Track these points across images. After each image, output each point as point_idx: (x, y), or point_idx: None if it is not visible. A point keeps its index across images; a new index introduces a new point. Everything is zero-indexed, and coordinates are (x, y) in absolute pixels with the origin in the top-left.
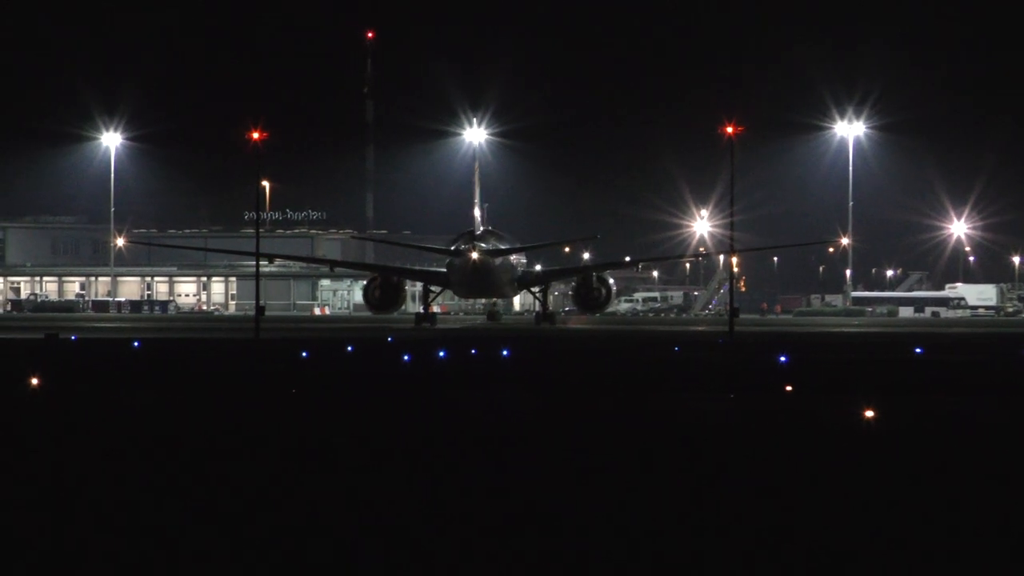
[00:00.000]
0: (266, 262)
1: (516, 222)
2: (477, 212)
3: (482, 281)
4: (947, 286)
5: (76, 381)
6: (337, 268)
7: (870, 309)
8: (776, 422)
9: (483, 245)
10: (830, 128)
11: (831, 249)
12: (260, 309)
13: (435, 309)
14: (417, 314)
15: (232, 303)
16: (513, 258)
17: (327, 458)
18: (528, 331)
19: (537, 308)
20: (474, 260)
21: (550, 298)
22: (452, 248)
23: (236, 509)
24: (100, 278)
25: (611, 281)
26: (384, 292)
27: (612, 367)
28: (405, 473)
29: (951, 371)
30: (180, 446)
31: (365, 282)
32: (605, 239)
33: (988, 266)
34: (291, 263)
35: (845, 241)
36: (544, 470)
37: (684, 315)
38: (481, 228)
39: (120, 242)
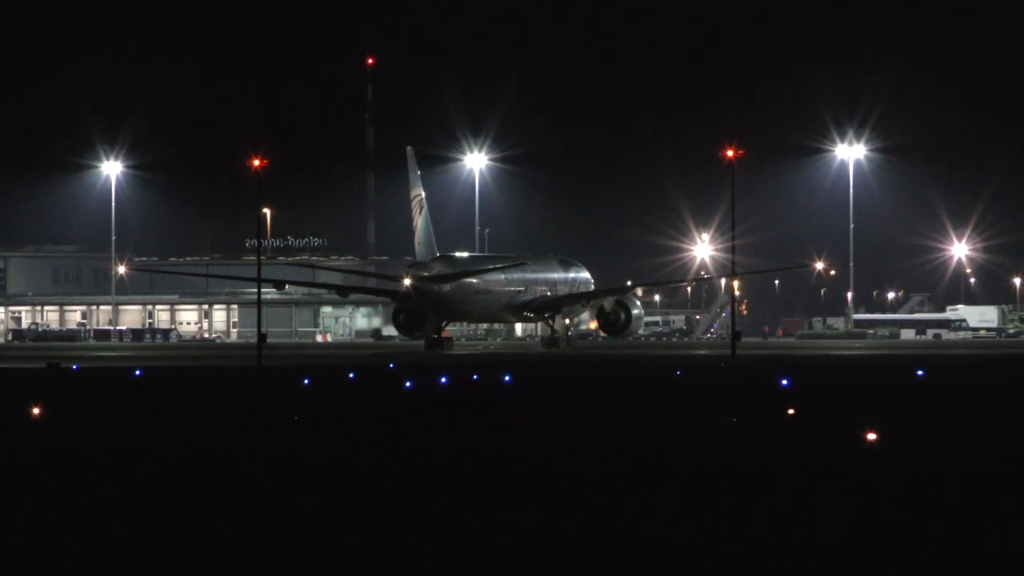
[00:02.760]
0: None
1: (517, 247)
2: (416, 238)
3: (438, 306)
4: (949, 308)
5: (78, 411)
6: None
7: (872, 332)
8: (779, 446)
9: (422, 273)
10: (831, 150)
11: (832, 272)
12: (262, 337)
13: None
14: (427, 339)
15: (234, 331)
16: (502, 282)
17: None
18: (533, 357)
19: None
20: (406, 287)
21: (569, 322)
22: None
23: (231, 542)
24: (101, 307)
25: (632, 304)
26: (409, 317)
27: (611, 392)
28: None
29: (954, 393)
30: (180, 476)
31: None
32: (605, 264)
33: (990, 288)
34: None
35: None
36: (539, 510)
37: (686, 339)
38: (437, 254)
39: (121, 270)
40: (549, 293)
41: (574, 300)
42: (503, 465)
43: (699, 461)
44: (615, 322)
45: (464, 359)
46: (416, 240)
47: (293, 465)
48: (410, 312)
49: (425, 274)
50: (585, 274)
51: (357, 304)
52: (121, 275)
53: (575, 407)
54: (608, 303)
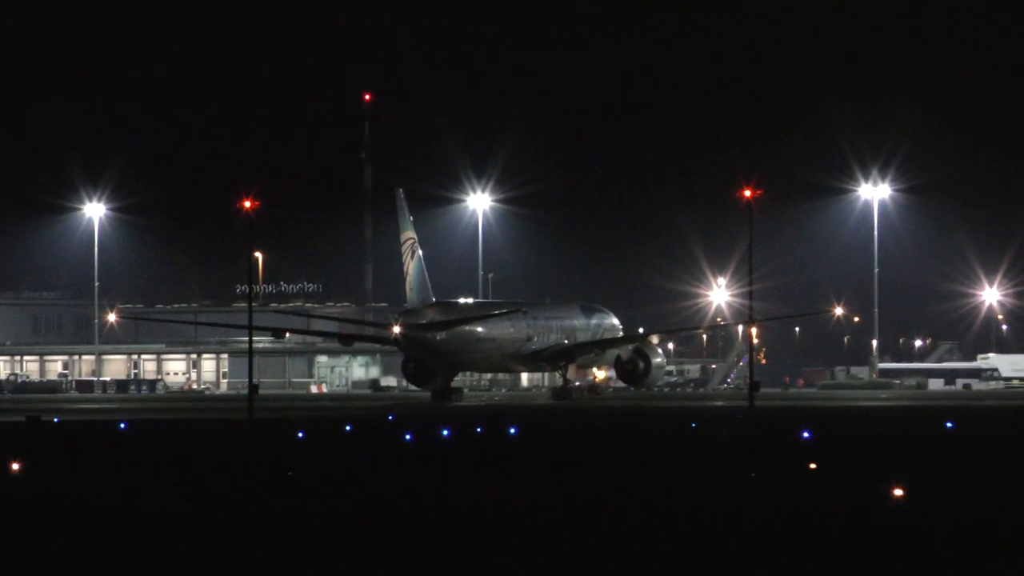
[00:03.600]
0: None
1: (523, 292)
2: (408, 283)
3: (434, 355)
4: (979, 356)
5: (59, 466)
6: (334, 343)
7: (898, 381)
8: (800, 502)
9: (413, 321)
10: (854, 190)
11: (856, 318)
12: (254, 388)
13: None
14: (434, 391)
15: (224, 381)
16: (507, 329)
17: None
18: (542, 408)
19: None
20: (396, 336)
21: (597, 370)
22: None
23: None
24: (84, 356)
25: (652, 352)
26: (419, 367)
27: (623, 447)
28: None
29: (985, 447)
30: (162, 537)
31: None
32: (615, 310)
33: (1022, 335)
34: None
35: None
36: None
37: (701, 389)
38: (433, 300)
39: (112, 317)
40: (567, 341)
41: (587, 349)
42: (504, 527)
43: (714, 519)
44: (633, 371)
45: (467, 411)
46: (407, 286)
47: (283, 525)
48: (419, 362)
49: (417, 322)
50: (611, 320)
51: (354, 353)
52: (111, 323)
53: (582, 463)
54: (625, 351)
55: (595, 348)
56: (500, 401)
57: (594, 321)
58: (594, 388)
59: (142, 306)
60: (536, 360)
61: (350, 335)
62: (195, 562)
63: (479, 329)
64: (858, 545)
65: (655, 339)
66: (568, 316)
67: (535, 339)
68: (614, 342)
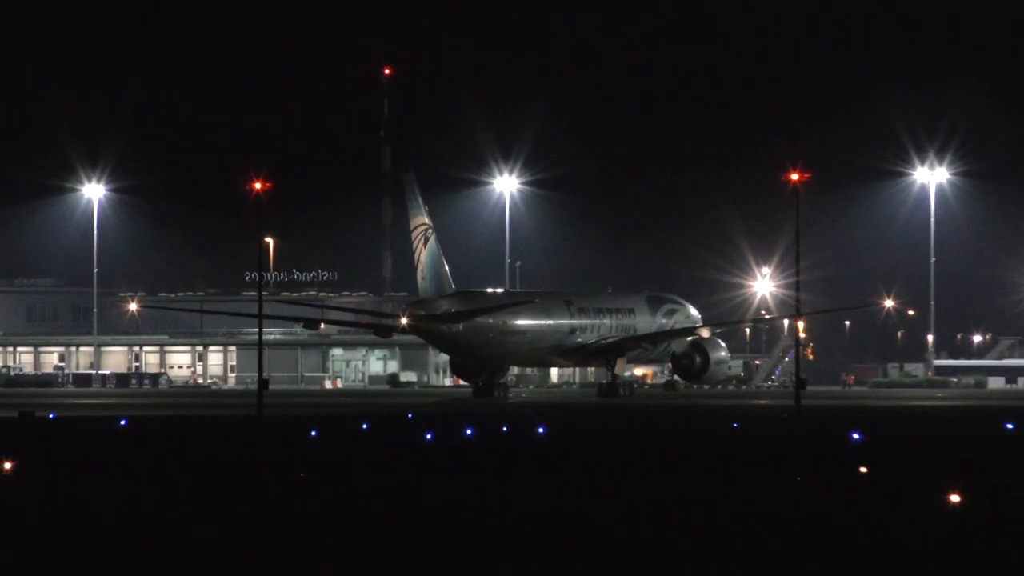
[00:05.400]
0: (273, 328)
1: (550, 281)
2: (419, 272)
3: (456, 349)
4: None
5: (53, 465)
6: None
7: (955, 380)
8: (848, 510)
9: (423, 312)
10: (909, 174)
11: (910, 311)
12: (264, 382)
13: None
14: (475, 387)
15: (232, 375)
16: (544, 322)
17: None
18: (586, 405)
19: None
20: (403, 327)
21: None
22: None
23: None
24: (82, 348)
25: (712, 347)
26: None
27: (663, 447)
28: None
29: None
30: (159, 542)
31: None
32: None
33: None
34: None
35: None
36: None
37: (744, 387)
38: (453, 288)
39: (133, 307)
40: (626, 334)
41: (634, 343)
42: (535, 530)
43: (759, 527)
44: (689, 367)
45: (509, 408)
46: (419, 275)
47: (293, 530)
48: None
49: (429, 312)
50: (688, 312)
51: (371, 346)
52: (131, 312)
53: (618, 464)
54: (680, 346)
55: (643, 342)
56: (541, 399)
57: (662, 313)
58: (629, 385)
59: (144, 294)
60: (582, 354)
61: (391, 327)
62: (192, 568)
63: (506, 321)
64: (908, 556)
65: (706, 333)
66: (628, 307)
67: (581, 332)
68: (665, 335)
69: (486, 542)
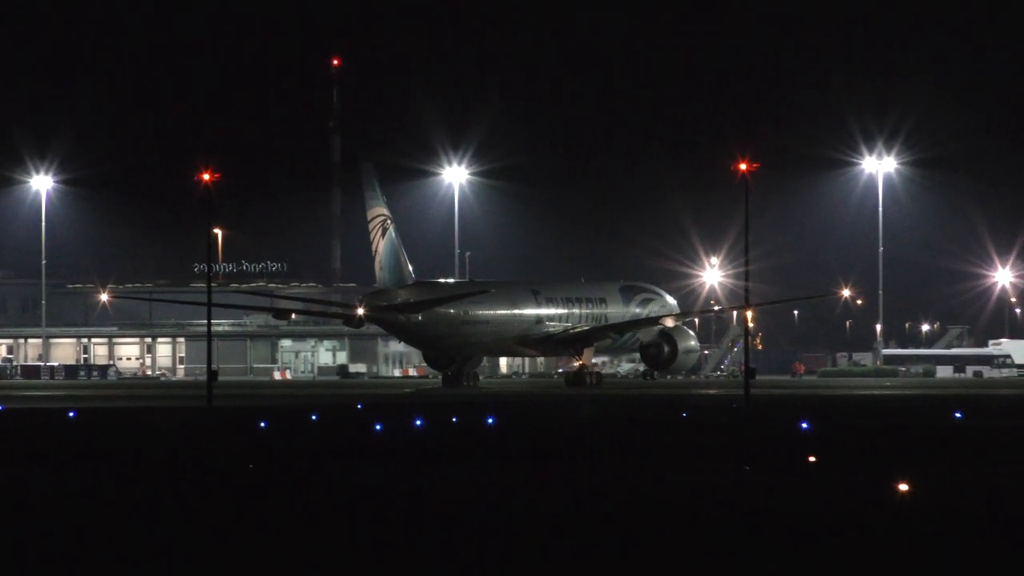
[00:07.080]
0: (221, 320)
1: (497, 271)
2: (377, 262)
3: (416, 339)
4: (991, 342)
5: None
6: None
7: (904, 368)
8: (797, 498)
9: (382, 302)
10: (857, 163)
11: (859, 301)
12: (213, 374)
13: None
14: (444, 376)
15: (180, 367)
16: (506, 312)
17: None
18: (549, 396)
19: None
20: (359, 317)
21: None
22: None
23: None
24: (30, 340)
25: (680, 336)
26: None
27: (609, 438)
28: None
29: (996, 438)
30: (105, 538)
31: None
32: None
33: None
34: (249, 320)
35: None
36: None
37: (694, 377)
38: (413, 279)
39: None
40: (596, 324)
41: (601, 333)
42: (477, 525)
43: (704, 517)
44: (657, 356)
45: (472, 398)
46: (377, 265)
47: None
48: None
49: (387, 303)
50: (665, 301)
51: (320, 337)
52: (102, 303)
53: (564, 454)
54: (647, 335)
55: (610, 332)
56: (508, 389)
57: (636, 303)
58: (596, 375)
59: (92, 286)
60: (549, 344)
61: (358, 316)
62: (141, 562)
63: (467, 311)
64: (856, 544)
65: (669, 322)
66: (599, 296)
67: (548, 321)
68: (631, 325)
69: (434, 532)
